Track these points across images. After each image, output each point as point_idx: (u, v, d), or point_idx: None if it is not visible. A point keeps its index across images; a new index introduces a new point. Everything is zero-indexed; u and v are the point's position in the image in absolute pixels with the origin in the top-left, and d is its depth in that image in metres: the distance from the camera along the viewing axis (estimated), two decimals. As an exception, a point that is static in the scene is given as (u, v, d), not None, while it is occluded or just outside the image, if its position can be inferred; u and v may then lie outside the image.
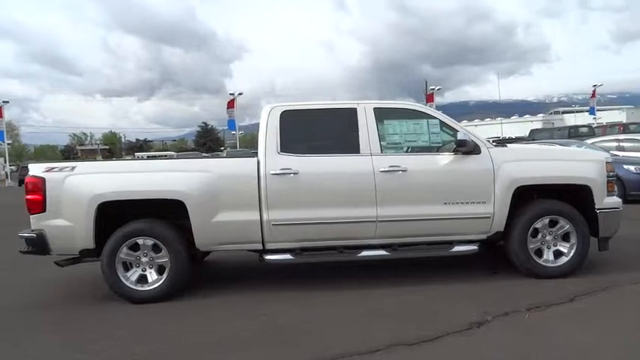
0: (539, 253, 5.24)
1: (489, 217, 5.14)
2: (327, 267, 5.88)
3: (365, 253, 5.13)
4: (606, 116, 48.74)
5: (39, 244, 4.97)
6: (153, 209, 5.10)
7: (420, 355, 3.52)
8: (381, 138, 5.19)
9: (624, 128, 22.38)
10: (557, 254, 5.25)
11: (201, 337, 4.04)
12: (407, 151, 5.29)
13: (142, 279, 5.04)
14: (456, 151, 5.15)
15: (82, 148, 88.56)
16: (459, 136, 5.05)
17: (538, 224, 5.19)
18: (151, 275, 5.04)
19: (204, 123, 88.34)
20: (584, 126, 27.01)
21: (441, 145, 5.29)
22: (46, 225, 4.96)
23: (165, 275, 5.01)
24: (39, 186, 4.95)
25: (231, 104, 40.14)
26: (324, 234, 5.08)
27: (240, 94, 40.99)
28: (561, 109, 73.58)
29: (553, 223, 5.22)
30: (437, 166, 5.15)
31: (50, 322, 4.62)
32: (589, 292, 4.69)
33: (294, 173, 4.99)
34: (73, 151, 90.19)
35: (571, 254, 5.20)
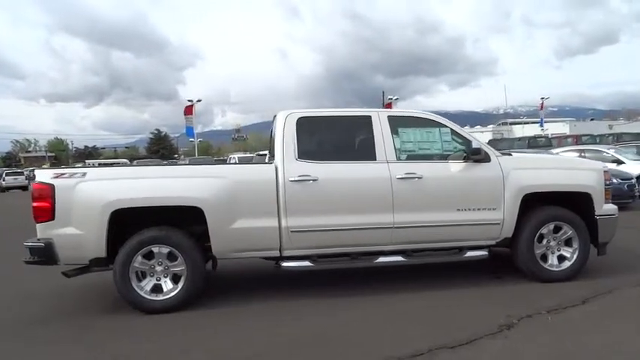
0: (544, 258, 5.45)
1: (499, 224, 5.31)
2: (336, 274, 5.89)
3: (382, 259, 5.19)
4: (551, 128, 51.26)
5: (47, 254, 4.74)
6: (166, 216, 4.97)
7: (462, 358, 3.60)
8: (395, 145, 5.29)
9: (577, 139, 23.65)
10: (561, 259, 5.48)
11: (242, 347, 3.97)
12: (421, 159, 5.37)
13: (157, 288, 4.89)
14: (467, 159, 5.30)
15: (26, 155, 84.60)
16: (474, 145, 5.21)
17: (544, 230, 5.41)
18: (166, 284, 4.90)
19: (157, 130, 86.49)
20: (542, 137, 28.29)
21: (452, 152, 5.43)
22: (55, 234, 4.74)
23: (181, 284, 4.88)
24: (47, 193, 4.73)
25: (189, 111, 39.48)
26: (341, 240, 5.11)
27: (199, 100, 40.48)
28: (509, 120, 76.67)
29: (557, 229, 5.45)
30: (450, 174, 5.29)
31: (68, 336, 4.41)
32: (596, 295, 4.92)
33: (312, 180, 5.00)
34: (15, 159, 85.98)
35: (574, 259, 5.45)
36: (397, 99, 41.11)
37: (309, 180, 4.99)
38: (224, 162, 25.88)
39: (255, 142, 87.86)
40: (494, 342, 3.86)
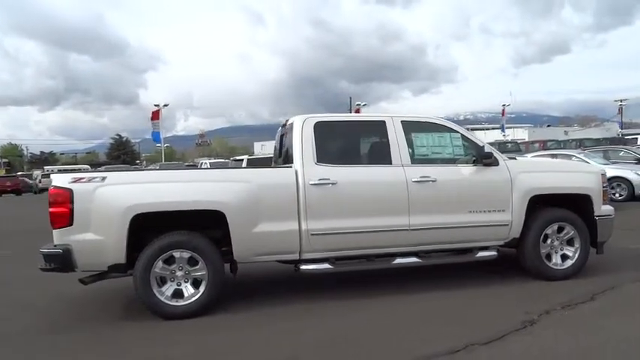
0: (548, 257, 5.69)
1: (508, 225, 5.52)
2: (349, 275, 5.96)
3: (398, 260, 5.30)
4: (512, 134, 52.97)
5: (64, 261, 4.63)
6: (183, 221, 4.94)
7: (499, 353, 3.74)
8: (409, 150, 5.42)
9: (544, 145, 24.59)
10: (564, 258, 5.73)
11: (275, 351, 4.00)
12: (433, 163, 5.52)
13: (177, 294, 4.85)
14: (477, 163, 5.49)
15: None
16: (486, 149, 5.41)
17: (548, 230, 5.65)
18: (187, 289, 4.86)
19: (117, 135, 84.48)
20: (510, 142, 29.23)
21: (463, 156, 5.61)
22: (74, 239, 4.64)
23: (202, 289, 4.85)
24: (66, 198, 4.63)
25: (155, 116, 38.79)
26: (359, 243, 5.20)
27: (165, 105, 39.84)
28: (470, 126, 78.72)
29: (560, 230, 5.70)
30: (462, 177, 5.47)
31: (91, 345, 4.32)
32: (602, 291, 5.17)
33: (332, 183, 5.07)
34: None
35: (575, 257, 5.71)
36: (365, 105, 41.62)
37: (329, 183, 5.06)
38: (195, 167, 25.59)
39: (219, 148, 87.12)
40: (522, 337, 4.02)
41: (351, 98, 46.03)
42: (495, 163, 5.53)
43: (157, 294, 4.76)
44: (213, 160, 33.72)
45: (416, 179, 5.27)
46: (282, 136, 6.23)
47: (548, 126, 68.11)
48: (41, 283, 6.06)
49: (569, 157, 14.56)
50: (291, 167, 5.17)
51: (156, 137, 39.84)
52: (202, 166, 25.52)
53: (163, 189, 4.85)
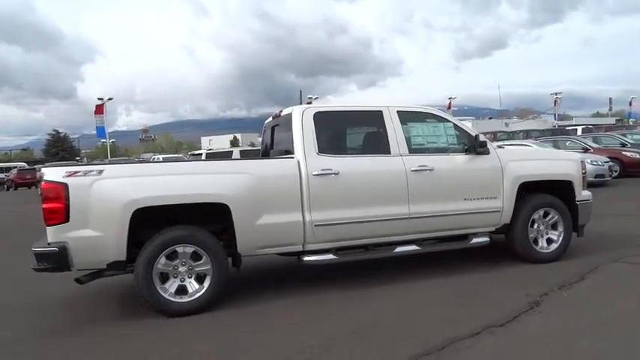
0: (535, 241, 5.93)
1: (499, 211, 5.71)
2: (346, 266, 5.96)
3: (399, 249, 5.37)
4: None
5: (60, 260, 4.38)
6: (184, 214, 4.78)
7: (519, 333, 3.86)
8: (406, 139, 5.48)
9: (495, 136, 25.54)
10: (549, 241, 5.99)
11: (296, 342, 3.95)
12: (429, 152, 5.61)
13: (181, 290, 4.70)
14: (469, 152, 5.63)
15: None
16: (481, 138, 5.55)
17: (535, 215, 5.89)
18: (191, 285, 4.72)
19: (55, 130, 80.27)
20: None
21: (456, 146, 5.73)
22: (70, 237, 4.39)
23: (206, 284, 4.72)
24: (60, 193, 4.37)
25: (99, 110, 37.40)
26: (362, 233, 5.21)
27: (110, 99, 38.40)
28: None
29: (546, 215, 5.96)
30: (457, 165, 5.60)
31: (106, 346, 4.11)
32: (589, 271, 5.44)
33: (334, 174, 5.05)
34: None
35: (560, 241, 5.98)
36: (317, 98, 41.69)
37: (331, 174, 5.04)
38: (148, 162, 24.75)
39: (165, 143, 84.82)
40: (533, 318, 4.17)
41: (301, 91, 46.01)
42: (487, 151, 5.69)
43: (161, 291, 4.60)
44: (166, 155, 32.81)
45: (414, 168, 5.34)
46: (272, 128, 6.15)
47: (490, 118, 70.76)
48: (22, 285, 5.72)
49: (525, 146, 15.21)
50: (293, 158, 5.10)
51: (100, 132, 38.39)
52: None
53: (165, 182, 4.67)
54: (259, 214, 4.84)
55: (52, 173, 4.46)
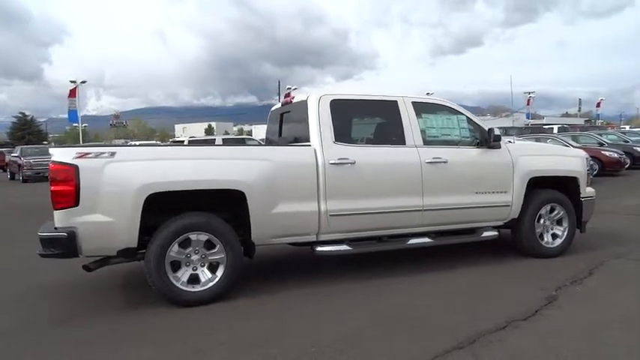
0: (540, 236, 5.97)
1: (509, 205, 5.71)
2: (358, 257, 5.89)
3: (412, 240, 5.32)
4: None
5: (68, 245, 4.16)
6: (197, 201, 4.61)
7: (545, 327, 3.84)
8: (421, 130, 5.42)
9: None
10: (554, 237, 6.04)
11: (326, 331, 3.85)
12: (443, 144, 5.55)
13: (193, 279, 4.53)
14: (481, 145, 5.61)
15: None
16: (495, 132, 5.52)
17: (542, 211, 5.92)
18: (204, 274, 4.56)
19: (21, 113, 77.55)
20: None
21: (468, 139, 5.70)
22: (79, 222, 4.18)
23: (219, 273, 4.58)
24: (70, 175, 4.15)
25: (72, 93, 36.34)
26: (376, 224, 5.13)
27: (83, 82, 37.34)
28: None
29: (552, 210, 5.99)
30: (470, 159, 5.57)
31: (129, 336, 3.93)
32: (595, 267, 5.49)
33: (351, 163, 4.95)
34: None
35: (564, 236, 6.04)
36: (296, 89, 41.30)
37: (348, 163, 4.94)
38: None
39: (137, 129, 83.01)
40: (554, 312, 4.17)
41: (280, 82, 45.70)
42: (499, 146, 5.67)
43: (173, 280, 4.43)
44: (142, 142, 32.13)
45: (429, 160, 5.28)
46: (281, 115, 5.99)
47: (465, 115, 71.63)
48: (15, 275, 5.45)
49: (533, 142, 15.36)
50: (309, 146, 4.97)
51: (72, 116, 37.31)
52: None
53: (180, 166, 4.48)
54: (275, 203, 4.70)
55: (61, 154, 4.23)
